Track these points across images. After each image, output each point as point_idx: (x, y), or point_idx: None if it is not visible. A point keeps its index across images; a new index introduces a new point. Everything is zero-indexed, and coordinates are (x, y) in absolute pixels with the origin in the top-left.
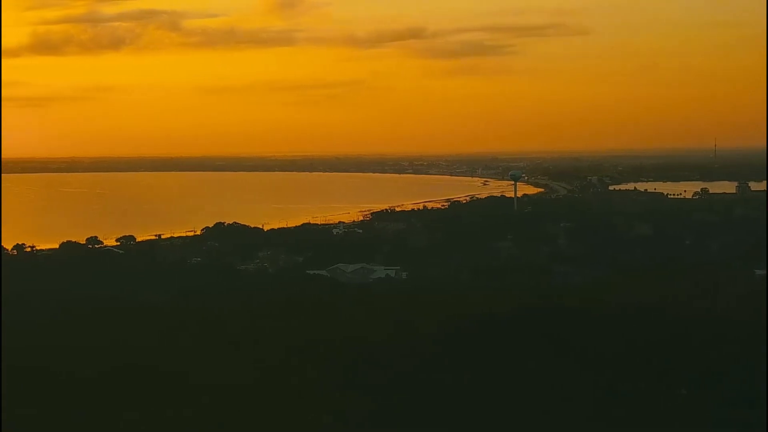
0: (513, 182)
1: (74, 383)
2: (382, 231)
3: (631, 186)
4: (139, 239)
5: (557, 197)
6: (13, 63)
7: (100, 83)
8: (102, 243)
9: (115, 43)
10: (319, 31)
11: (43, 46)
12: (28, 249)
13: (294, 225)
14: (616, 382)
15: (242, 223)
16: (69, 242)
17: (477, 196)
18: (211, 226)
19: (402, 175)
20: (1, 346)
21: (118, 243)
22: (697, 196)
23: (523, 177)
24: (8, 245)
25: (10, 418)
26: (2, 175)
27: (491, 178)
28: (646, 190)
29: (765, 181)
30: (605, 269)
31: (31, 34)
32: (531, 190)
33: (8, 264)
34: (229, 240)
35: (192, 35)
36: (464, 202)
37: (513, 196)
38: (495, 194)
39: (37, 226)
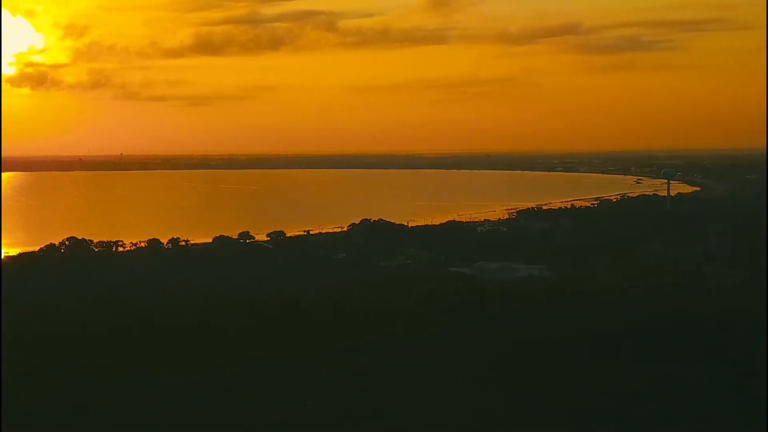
0: (666, 181)
1: (224, 374)
2: (527, 229)
3: None
4: (288, 234)
5: (713, 196)
6: (176, 63)
7: (259, 83)
8: (253, 238)
9: (274, 44)
10: (472, 29)
11: (205, 46)
12: (183, 243)
13: (439, 222)
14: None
15: (387, 220)
16: (221, 237)
17: (628, 194)
18: (357, 223)
19: (551, 173)
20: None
21: (269, 238)
22: None
23: (678, 175)
24: (164, 239)
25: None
26: (165, 170)
27: (645, 176)
28: None
29: None
30: (761, 272)
31: (194, 35)
32: (686, 189)
33: (162, 257)
34: (374, 236)
35: (348, 35)
36: (614, 201)
37: (666, 195)
38: (647, 193)
39: (194, 221)
